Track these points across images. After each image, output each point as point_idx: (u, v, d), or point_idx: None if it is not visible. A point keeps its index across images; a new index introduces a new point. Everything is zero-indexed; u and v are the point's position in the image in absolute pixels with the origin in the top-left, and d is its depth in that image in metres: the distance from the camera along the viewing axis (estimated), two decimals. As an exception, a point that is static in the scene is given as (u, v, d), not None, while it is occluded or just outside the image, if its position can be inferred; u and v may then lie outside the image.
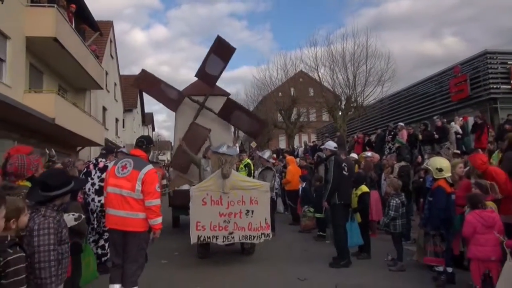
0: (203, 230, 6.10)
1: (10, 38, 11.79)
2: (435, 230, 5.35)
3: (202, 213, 6.15)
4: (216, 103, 9.40)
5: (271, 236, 6.41)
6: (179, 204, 7.86)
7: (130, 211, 4.19)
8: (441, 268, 5.24)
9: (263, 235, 6.25)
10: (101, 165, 6.66)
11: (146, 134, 45.01)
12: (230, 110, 9.40)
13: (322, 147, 7.40)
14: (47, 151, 10.12)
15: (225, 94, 9.80)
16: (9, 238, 2.42)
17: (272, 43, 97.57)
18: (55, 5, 12.88)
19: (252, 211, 6.22)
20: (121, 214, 4.20)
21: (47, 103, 12.62)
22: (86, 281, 4.90)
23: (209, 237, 6.12)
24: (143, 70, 9.40)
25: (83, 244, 4.69)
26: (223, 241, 6.17)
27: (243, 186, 6.34)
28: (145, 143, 4.67)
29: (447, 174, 5.42)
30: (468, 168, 6.05)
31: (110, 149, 7.57)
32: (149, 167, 4.39)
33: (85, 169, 6.51)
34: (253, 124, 9.91)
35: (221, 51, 8.89)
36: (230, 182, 6.21)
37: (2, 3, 9.09)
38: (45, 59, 14.46)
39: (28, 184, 3.79)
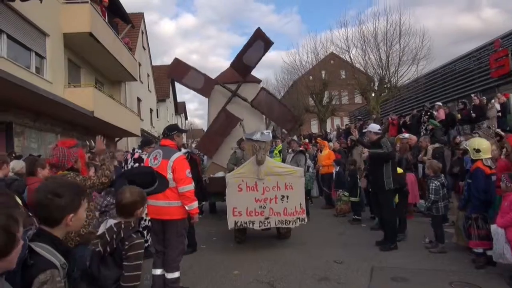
0: (239, 216, 6.24)
1: (49, 36, 12.29)
2: (476, 213, 5.24)
3: (238, 199, 6.28)
4: (248, 90, 9.52)
5: (306, 221, 6.49)
6: (214, 191, 8.05)
7: (165, 200, 4.29)
8: (481, 250, 5.15)
9: (298, 220, 6.32)
10: (136, 155, 7.09)
11: (179, 123, 45.88)
12: (264, 100, 9.49)
13: (365, 130, 7.24)
14: (87, 143, 10.65)
15: (257, 81, 9.85)
16: (132, 225, 2.63)
17: (300, 26, 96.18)
18: (89, 1, 13.26)
19: (287, 196, 6.28)
20: (158, 204, 4.31)
21: (86, 97, 13.13)
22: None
23: (246, 222, 6.25)
24: (176, 59, 9.66)
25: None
26: (259, 226, 6.29)
27: (278, 172, 6.39)
28: (166, 131, 4.80)
29: (485, 155, 5.26)
30: (505, 149, 5.86)
31: (146, 141, 7.86)
32: (178, 154, 4.50)
33: (125, 159, 6.92)
34: (286, 116, 9.96)
35: (259, 43, 8.98)
36: (264, 169, 6.29)
37: (41, 2, 9.46)
38: (81, 54, 14.99)
39: (67, 172, 4.03)
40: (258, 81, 9.92)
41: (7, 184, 4.00)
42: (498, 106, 12.40)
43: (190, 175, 4.47)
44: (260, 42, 9.00)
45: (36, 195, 1.89)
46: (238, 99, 9.51)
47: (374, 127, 6.86)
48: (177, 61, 9.65)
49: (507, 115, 12.49)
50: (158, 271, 4.48)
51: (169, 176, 4.31)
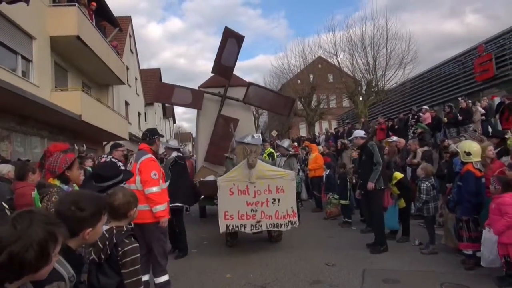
0: (231, 219, 6.23)
1: (36, 38, 12.11)
2: (467, 215, 5.31)
3: (229, 203, 6.26)
4: (238, 93, 9.53)
5: (298, 224, 6.47)
6: (205, 195, 7.98)
7: None
8: (470, 252, 5.23)
9: (290, 223, 6.32)
10: (102, 160, 7.21)
11: (167, 126, 45.61)
12: (254, 94, 9.54)
13: (350, 138, 7.42)
14: (76, 147, 10.53)
15: (245, 84, 9.86)
16: (125, 229, 2.58)
17: (287, 30, 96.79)
18: (76, 4, 13.13)
19: (279, 200, 6.29)
20: None
21: (73, 101, 12.96)
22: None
23: (237, 226, 6.24)
24: (157, 83, 9.82)
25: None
26: (251, 230, 6.28)
27: (269, 175, 6.39)
28: (148, 135, 4.74)
29: (476, 158, 5.33)
30: (498, 149, 5.95)
31: (114, 145, 8.01)
32: (146, 156, 4.43)
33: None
34: (281, 102, 10.05)
35: (231, 41, 9.05)
36: (256, 172, 6.28)
37: (28, 5, 9.31)
38: (69, 57, 14.78)
39: (57, 182, 3.98)
40: (246, 83, 9.93)
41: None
42: (482, 110, 12.64)
43: (156, 177, 4.36)
44: (232, 40, 9.07)
45: (58, 205, 1.90)
46: (228, 101, 9.51)
47: (359, 132, 7.14)
48: (159, 84, 10.00)
49: (490, 119, 12.73)
50: (146, 277, 4.37)
51: (137, 178, 4.30)
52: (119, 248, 2.45)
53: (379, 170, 6.37)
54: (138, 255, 2.52)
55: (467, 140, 6.36)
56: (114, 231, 2.51)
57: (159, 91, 9.98)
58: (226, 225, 6.23)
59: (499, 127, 11.26)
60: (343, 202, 9.05)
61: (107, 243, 2.45)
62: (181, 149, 9.11)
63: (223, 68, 9.22)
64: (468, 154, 5.34)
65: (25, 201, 3.66)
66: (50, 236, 1.37)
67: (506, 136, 6.87)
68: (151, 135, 4.73)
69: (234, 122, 9.24)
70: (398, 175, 7.08)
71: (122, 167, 6.87)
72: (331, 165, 10.85)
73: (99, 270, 2.43)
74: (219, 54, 9.11)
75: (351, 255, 6.15)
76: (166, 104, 41.56)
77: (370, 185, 6.36)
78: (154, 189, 4.28)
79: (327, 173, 10.49)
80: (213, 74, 9.63)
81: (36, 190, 3.72)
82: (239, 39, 9.16)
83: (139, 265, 2.51)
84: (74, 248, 1.86)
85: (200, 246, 7.21)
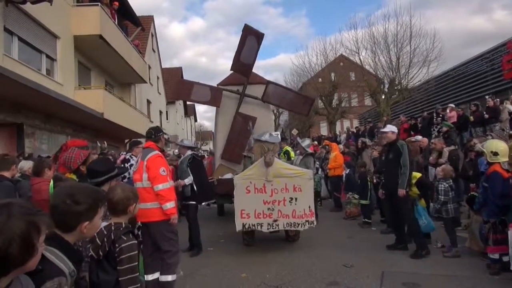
0: (247, 218, 6.17)
1: (60, 38, 12.39)
2: (494, 217, 5.09)
3: (246, 201, 6.21)
4: (257, 91, 9.48)
5: (315, 224, 6.35)
6: (223, 193, 7.95)
7: (142, 202, 4.07)
8: (496, 256, 5.01)
9: (307, 223, 6.22)
10: (121, 157, 7.29)
11: (188, 125, 46.03)
12: (273, 93, 9.47)
13: (383, 130, 7.03)
14: (99, 144, 10.73)
15: (264, 82, 9.78)
16: (123, 225, 2.56)
17: (308, 28, 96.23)
18: (99, 4, 13.35)
19: (296, 199, 6.19)
20: (139, 206, 4.23)
21: (96, 99, 13.22)
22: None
23: (254, 225, 6.18)
24: (179, 80, 9.85)
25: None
26: (267, 229, 6.20)
27: (286, 173, 6.30)
28: (153, 133, 4.69)
29: (503, 159, 5.10)
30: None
31: (133, 142, 8.08)
32: (153, 153, 4.37)
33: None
34: (300, 101, 9.95)
35: (251, 39, 9.01)
36: (273, 170, 6.20)
37: (51, 4, 9.53)
38: (92, 56, 15.08)
39: (74, 177, 4.04)
40: (264, 81, 9.84)
41: (13, 184, 4.02)
42: (511, 108, 12.17)
43: (164, 173, 4.29)
44: (251, 37, 9.02)
45: (53, 199, 1.86)
46: (247, 99, 9.48)
47: (392, 127, 6.80)
48: (180, 81, 9.96)
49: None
50: (149, 277, 4.27)
51: (144, 176, 4.24)
52: (116, 245, 2.43)
53: (406, 174, 6.07)
54: (136, 252, 2.48)
55: (493, 139, 6.09)
56: (113, 227, 2.49)
57: (179, 88, 10.01)
58: (243, 223, 6.18)
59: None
60: (363, 202, 8.87)
61: (105, 239, 2.43)
62: (195, 148, 9.14)
63: (243, 66, 9.19)
64: (495, 154, 5.10)
65: (41, 196, 3.71)
66: (31, 226, 1.33)
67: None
68: (156, 133, 4.69)
69: (252, 120, 9.21)
70: (417, 174, 6.85)
71: None
72: (351, 164, 10.66)
73: (99, 266, 2.43)
74: (238, 51, 9.08)
75: (370, 257, 5.99)
76: (187, 102, 42.04)
77: (402, 192, 6.04)
78: (164, 185, 4.23)
79: (346, 172, 10.32)
80: (232, 71, 9.57)
81: (52, 182, 3.77)
82: (259, 36, 9.12)
83: (136, 263, 2.48)
84: (72, 242, 1.82)
85: (217, 244, 7.18)
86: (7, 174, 4.11)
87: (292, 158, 9.41)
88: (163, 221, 4.24)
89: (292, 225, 6.24)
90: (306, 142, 8.84)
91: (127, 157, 7.62)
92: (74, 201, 1.78)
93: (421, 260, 5.71)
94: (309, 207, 6.27)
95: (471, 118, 12.91)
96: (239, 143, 9.29)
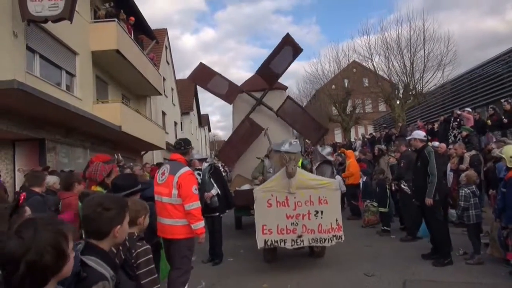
0: (269, 234, 5.74)
1: (78, 54, 12.73)
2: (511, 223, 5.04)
3: (267, 215, 5.80)
4: (273, 97, 9.30)
5: (343, 238, 5.91)
6: (240, 205, 7.74)
7: (169, 218, 4.11)
8: (519, 262, 4.95)
9: (335, 238, 5.81)
10: None
11: (202, 135, 46.36)
12: (289, 109, 9.22)
13: (410, 137, 6.93)
14: (116, 156, 10.93)
15: (283, 88, 9.63)
16: (136, 234, 2.72)
17: (320, 35, 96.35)
18: (116, 20, 13.69)
19: (322, 212, 5.80)
20: (163, 222, 4.14)
21: (113, 112, 13.47)
22: (164, 277, 5.17)
23: (277, 241, 5.76)
24: (201, 63, 9.48)
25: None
26: (291, 245, 5.78)
27: (311, 184, 5.90)
28: (182, 145, 4.57)
29: (523, 162, 5.09)
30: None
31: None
32: (184, 169, 4.24)
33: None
34: (313, 126, 9.62)
35: (287, 49, 8.77)
36: (296, 181, 5.80)
37: (71, 22, 9.83)
38: (109, 71, 15.42)
39: (101, 189, 4.16)
40: (284, 87, 9.68)
41: (44, 199, 4.16)
42: (531, 111, 11.97)
43: (196, 192, 4.25)
44: (288, 48, 8.74)
45: (85, 209, 1.99)
46: (262, 107, 9.29)
47: (420, 133, 6.69)
48: (201, 66, 9.41)
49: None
50: None
51: (174, 192, 4.13)
52: (133, 251, 2.57)
53: (434, 182, 5.94)
54: (151, 255, 2.63)
55: (511, 144, 6.04)
56: (126, 236, 2.60)
57: (199, 72, 9.40)
58: (265, 240, 5.75)
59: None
60: (382, 209, 8.81)
61: (120, 248, 2.51)
62: (208, 159, 9.21)
63: (270, 73, 8.92)
64: (515, 159, 5.07)
65: (72, 211, 3.84)
66: (58, 235, 1.42)
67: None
68: (186, 145, 4.58)
69: (260, 129, 9.00)
70: None
71: None
72: (368, 172, 10.62)
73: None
74: (270, 57, 8.82)
75: (391, 265, 5.96)
76: (201, 112, 42.33)
77: (429, 201, 5.97)
78: (196, 204, 4.14)
79: (364, 179, 10.28)
80: (256, 74, 9.39)
81: (79, 199, 3.90)
82: (297, 50, 8.83)
83: (154, 265, 2.61)
84: (107, 249, 1.95)
85: (237, 255, 7.24)
86: (38, 189, 4.27)
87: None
88: (186, 239, 4.18)
89: (318, 240, 5.82)
90: (326, 149, 8.74)
91: None
92: (105, 208, 1.92)
93: (443, 268, 5.66)
94: (336, 220, 5.87)
95: (489, 122, 12.73)
96: (237, 147, 9.17)
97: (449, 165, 9.09)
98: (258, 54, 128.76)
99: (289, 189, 5.81)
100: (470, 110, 14.13)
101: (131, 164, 12.23)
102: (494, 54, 20.34)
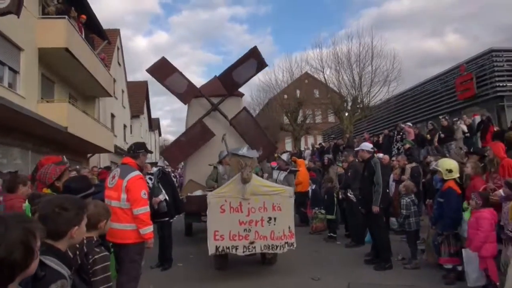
0: (221, 240, 5.67)
1: (24, 50, 12.10)
2: (448, 230, 5.47)
3: (220, 221, 5.72)
4: (229, 103, 9.19)
5: (295, 245, 5.91)
6: (192, 211, 7.57)
7: (118, 223, 4.02)
8: (450, 266, 5.38)
9: (287, 244, 5.79)
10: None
11: (152, 139, 45.37)
12: (243, 121, 9.10)
13: (358, 149, 7.27)
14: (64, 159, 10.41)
15: (239, 95, 9.53)
16: (95, 239, 2.68)
17: (273, 46, 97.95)
18: (66, 17, 13.18)
19: (275, 218, 5.77)
20: (113, 226, 3.92)
21: (59, 112, 12.92)
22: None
23: (228, 247, 5.68)
24: (163, 58, 9.11)
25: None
26: (243, 251, 5.72)
27: (265, 191, 5.87)
28: (133, 148, 4.52)
29: (456, 174, 5.56)
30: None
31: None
32: (134, 174, 4.20)
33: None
34: (261, 142, 9.00)
35: (252, 62, 8.74)
36: (250, 187, 5.75)
37: (18, 17, 9.34)
38: (56, 69, 14.77)
39: (50, 191, 4.01)
40: (241, 94, 9.59)
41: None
42: (464, 128, 13.00)
43: (145, 196, 4.19)
44: (253, 61, 8.73)
45: (42, 210, 1.97)
46: (217, 113, 9.15)
47: (367, 145, 7.07)
48: (163, 60, 9.06)
49: (473, 137, 13.10)
50: None
51: (123, 196, 4.09)
52: (90, 256, 2.55)
53: (379, 192, 6.30)
54: (109, 263, 2.63)
55: (444, 158, 6.57)
56: (85, 241, 2.59)
57: (159, 66, 9.02)
58: (216, 246, 5.66)
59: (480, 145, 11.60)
60: (329, 217, 9.14)
61: (77, 252, 2.50)
62: (158, 163, 9.04)
63: (230, 81, 8.85)
64: (450, 171, 5.53)
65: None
66: (28, 232, 1.44)
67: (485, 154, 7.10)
68: (136, 149, 4.50)
69: (211, 135, 8.88)
70: None
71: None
72: (317, 180, 10.98)
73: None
74: (234, 66, 8.76)
75: (336, 269, 6.23)
76: (152, 116, 41.47)
77: (375, 209, 6.30)
78: (144, 209, 4.10)
79: (313, 188, 10.61)
80: (217, 78, 9.28)
81: (27, 201, 3.75)
82: (261, 64, 8.84)
83: (110, 273, 2.61)
84: (63, 249, 1.94)
85: (187, 260, 7.18)
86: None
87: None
88: (135, 244, 4.11)
89: (270, 247, 5.78)
90: (285, 156, 8.83)
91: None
92: (63, 208, 1.93)
93: (384, 272, 6.01)
94: (289, 227, 5.86)
95: (428, 136, 13.64)
96: (183, 149, 8.99)
97: (391, 175, 9.66)
98: (213, 60, 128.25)
99: (243, 195, 5.74)
100: (411, 124, 15.05)
101: (77, 167, 11.74)
102: (434, 73, 21.89)
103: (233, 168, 6.38)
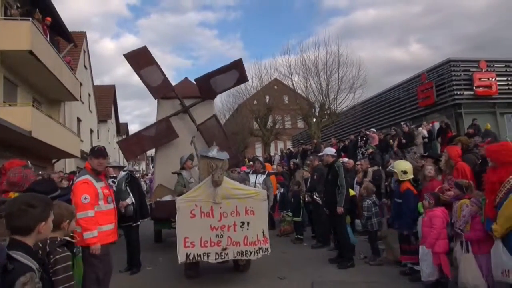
0: (192, 247, 5.39)
1: (-16, 52, 11.74)
2: (408, 229, 5.79)
3: (190, 227, 5.45)
4: (200, 107, 9.08)
5: (269, 251, 5.76)
6: (161, 217, 7.46)
7: (77, 226, 3.92)
8: (409, 264, 5.74)
9: (261, 250, 5.59)
10: None
11: (121, 144, 44.45)
12: (211, 128, 9.00)
13: (322, 154, 7.57)
14: (27, 164, 10.16)
15: (211, 97, 9.30)
16: (58, 239, 2.73)
17: (243, 51, 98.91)
18: (30, 19, 12.88)
19: (248, 223, 5.55)
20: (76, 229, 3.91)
21: (23, 116, 12.56)
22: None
23: (200, 255, 5.41)
24: (145, 47, 8.79)
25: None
26: (215, 259, 5.47)
27: (237, 194, 5.64)
28: (89, 153, 4.59)
29: (411, 176, 5.93)
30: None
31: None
32: (79, 178, 4.30)
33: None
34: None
35: (234, 73, 8.73)
36: (222, 191, 5.51)
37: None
38: (19, 72, 14.36)
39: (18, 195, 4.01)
40: (212, 97, 9.34)
41: None
42: (425, 133, 13.67)
43: (86, 201, 4.14)
44: (235, 72, 8.71)
45: (9, 208, 2.05)
46: (186, 115, 8.99)
47: (331, 150, 7.42)
48: (144, 49, 8.69)
49: (432, 142, 13.80)
50: None
51: (74, 200, 4.15)
52: (51, 256, 2.61)
53: (343, 193, 6.61)
54: (70, 263, 2.68)
55: (399, 160, 6.95)
56: (48, 241, 2.67)
57: (138, 54, 8.67)
58: (187, 254, 5.38)
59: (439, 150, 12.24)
60: (296, 219, 9.39)
61: (39, 252, 2.55)
62: (126, 167, 8.94)
63: (207, 87, 8.74)
64: (405, 172, 5.88)
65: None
66: None
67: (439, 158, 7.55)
68: (88, 153, 4.64)
69: (173, 135, 8.73)
70: (352, 191, 7.55)
71: None
72: (285, 184, 11.22)
73: None
74: (214, 73, 8.70)
75: (302, 269, 6.45)
76: (119, 121, 40.69)
77: (340, 210, 6.59)
78: (83, 214, 4.06)
79: (281, 191, 10.83)
80: (187, 79, 9.24)
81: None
82: (242, 77, 8.86)
83: (71, 272, 2.66)
84: (31, 245, 2.04)
85: (156, 263, 7.19)
86: None
87: None
88: (87, 247, 4.11)
89: (244, 253, 5.55)
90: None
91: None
92: (30, 205, 2.03)
93: (347, 270, 6.29)
94: (263, 232, 5.66)
95: (391, 141, 14.22)
96: (141, 143, 8.90)
97: (355, 179, 10.03)
98: (182, 64, 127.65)
99: (215, 199, 5.50)
100: (375, 130, 15.64)
101: (41, 172, 11.47)
102: (397, 82, 22.81)
103: (203, 171, 6.10)
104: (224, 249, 5.46)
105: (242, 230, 5.54)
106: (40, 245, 2.56)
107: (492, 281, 4.41)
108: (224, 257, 5.51)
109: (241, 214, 5.57)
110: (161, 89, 8.82)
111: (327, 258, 7.02)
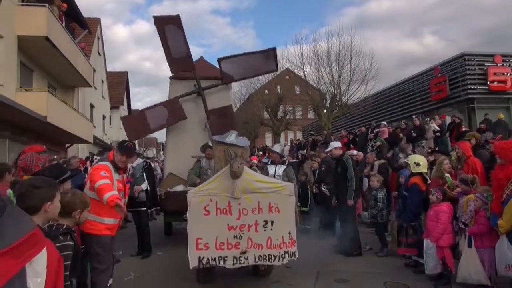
0: (206, 250, 4.65)
1: (2, 37, 11.95)
2: (408, 222, 5.92)
3: (204, 226, 4.71)
4: (216, 92, 8.56)
5: (297, 255, 4.98)
6: (172, 209, 6.98)
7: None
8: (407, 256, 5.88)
9: (286, 254, 4.83)
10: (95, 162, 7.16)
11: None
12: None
13: (329, 149, 7.53)
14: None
15: (231, 81, 8.78)
16: (64, 226, 2.84)
17: (255, 40, 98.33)
18: (47, 5, 13.06)
19: (272, 222, 4.78)
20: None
21: (38, 101, 12.83)
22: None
23: (215, 259, 4.66)
24: (178, 16, 8.13)
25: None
26: (233, 264, 4.70)
27: (260, 188, 4.84)
28: (116, 145, 4.55)
29: (424, 169, 6.01)
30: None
31: (106, 148, 7.93)
32: (100, 162, 4.30)
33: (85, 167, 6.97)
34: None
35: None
36: (242, 183, 4.74)
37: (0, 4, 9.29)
38: (35, 58, 14.61)
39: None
40: (231, 81, 8.78)
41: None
42: (436, 127, 13.59)
43: (104, 174, 4.00)
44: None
45: (18, 190, 2.24)
46: (199, 99, 8.39)
47: (335, 144, 7.44)
48: (177, 19, 8.03)
49: (443, 136, 13.72)
50: None
51: (88, 184, 4.10)
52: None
53: (353, 186, 6.71)
54: (69, 252, 2.77)
55: (415, 154, 7.02)
56: (54, 226, 2.79)
57: (168, 21, 8.04)
58: (199, 257, 4.65)
59: (449, 145, 12.20)
60: (304, 209, 9.50)
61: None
62: (141, 153, 9.02)
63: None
64: (418, 164, 5.96)
65: None
66: None
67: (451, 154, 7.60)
68: (116, 145, 4.52)
69: (182, 117, 8.16)
70: None
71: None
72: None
73: None
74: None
75: (308, 259, 6.53)
76: (131, 108, 41.08)
77: (350, 202, 6.71)
78: (102, 181, 3.89)
79: (289, 182, 10.95)
80: (203, 59, 8.86)
81: (10, 188, 3.90)
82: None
83: (69, 262, 2.74)
84: (40, 224, 2.17)
85: (166, 249, 7.38)
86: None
87: None
88: (96, 236, 3.99)
89: (267, 258, 4.77)
90: (277, 147, 8.18)
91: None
92: (35, 187, 2.19)
93: (352, 261, 6.43)
94: (289, 233, 4.90)
95: (401, 135, 14.19)
96: (145, 123, 8.21)
97: (365, 171, 10.10)
98: (194, 52, 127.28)
99: (233, 193, 4.73)
100: (386, 123, 15.59)
101: (55, 157, 11.74)
102: (411, 74, 22.60)
103: (218, 160, 5.25)
104: (244, 252, 4.70)
105: (265, 230, 4.78)
106: (46, 229, 2.60)
107: (494, 275, 4.50)
108: (244, 262, 4.73)
109: (264, 211, 4.80)
110: (181, 64, 8.21)
111: (333, 248, 7.13)
